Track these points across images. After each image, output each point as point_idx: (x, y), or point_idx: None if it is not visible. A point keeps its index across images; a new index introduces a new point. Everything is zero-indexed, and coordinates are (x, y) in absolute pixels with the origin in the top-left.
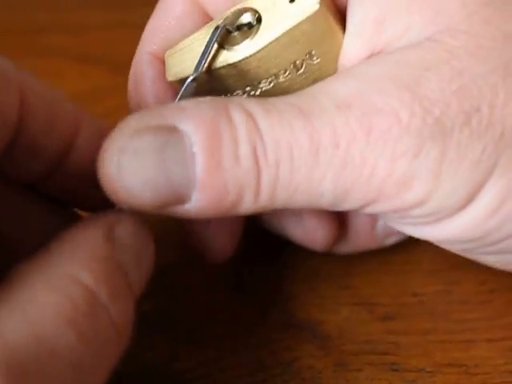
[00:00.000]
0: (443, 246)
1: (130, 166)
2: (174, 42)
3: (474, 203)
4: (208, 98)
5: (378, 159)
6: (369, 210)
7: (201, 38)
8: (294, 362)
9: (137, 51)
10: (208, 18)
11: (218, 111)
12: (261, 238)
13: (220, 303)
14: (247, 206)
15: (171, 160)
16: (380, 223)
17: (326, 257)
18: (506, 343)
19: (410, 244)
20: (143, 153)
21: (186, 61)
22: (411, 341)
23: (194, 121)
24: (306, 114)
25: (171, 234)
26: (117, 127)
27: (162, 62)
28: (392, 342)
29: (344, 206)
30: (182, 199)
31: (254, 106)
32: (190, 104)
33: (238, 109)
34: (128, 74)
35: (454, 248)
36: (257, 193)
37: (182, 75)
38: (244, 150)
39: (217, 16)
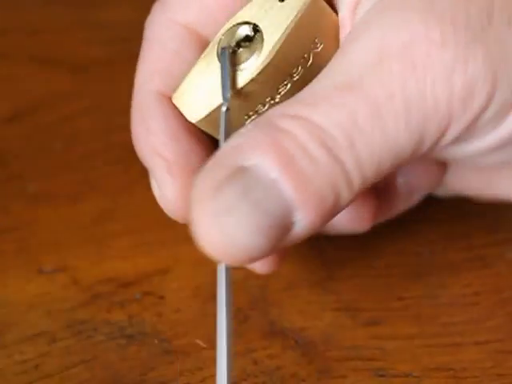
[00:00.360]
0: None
1: (232, 226)
2: (177, 76)
3: None
4: (250, 126)
5: (433, 87)
6: (446, 139)
7: (204, 71)
8: (277, 370)
9: (137, 91)
10: (205, 42)
11: (270, 131)
12: None
13: (198, 312)
14: (346, 197)
15: (260, 198)
16: (400, 181)
17: (308, 262)
18: (493, 346)
19: (393, 248)
20: (235, 206)
21: (200, 96)
22: (397, 346)
23: (256, 152)
24: (349, 85)
25: (145, 244)
26: (193, 196)
27: (168, 99)
28: (377, 348)
29: (425, 147)
30: (288, 228)
31: (295, 107)
32: (241, 139)
33: (285, 118)
34: (88, 76)
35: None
36: (349, 180)
37: (206, 111)
38: (315, 149)
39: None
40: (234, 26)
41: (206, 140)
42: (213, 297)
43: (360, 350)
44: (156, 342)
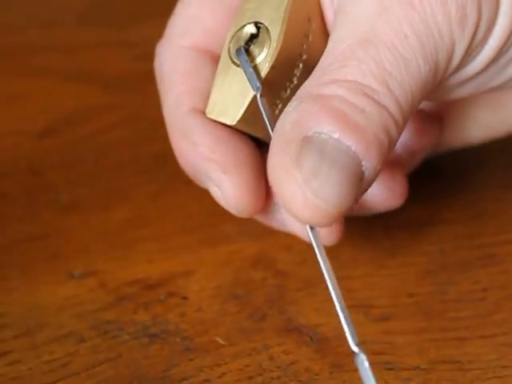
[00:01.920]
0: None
1: (321, 185)
2: (202, 92)
3: None
4: (294, 103)
5: (434, 18)
6: (452, 65)
7: (225, 79)
8: (292, 365)
9: (169, 116)
10: (217, 56)
11: (317, 100)
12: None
13: (218, 311)
14: (395, 137)
15: (334, 157)
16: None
17: None
18: (498, 339)
19: (405, 248)
20: (318, 168)
21: (231, 100)
22: (406, 340)
23: (313, 121)
24: (366, 38)
25: (169, 249)
26: (276, 175)
27: (202, 113)
28: (387, 342)
29: (439, 75)
30: (361, 177)
31: (327, 75)
32: (293, 115)
33: (323, 86)
34: (119, 91)
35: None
36: (395, 121)
37: (242, 109)
38: (361, 102)
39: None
40: (237, 31)
41: (247, 139)
42: (232, 296)
43: (370, 344)
44: (178, 340)
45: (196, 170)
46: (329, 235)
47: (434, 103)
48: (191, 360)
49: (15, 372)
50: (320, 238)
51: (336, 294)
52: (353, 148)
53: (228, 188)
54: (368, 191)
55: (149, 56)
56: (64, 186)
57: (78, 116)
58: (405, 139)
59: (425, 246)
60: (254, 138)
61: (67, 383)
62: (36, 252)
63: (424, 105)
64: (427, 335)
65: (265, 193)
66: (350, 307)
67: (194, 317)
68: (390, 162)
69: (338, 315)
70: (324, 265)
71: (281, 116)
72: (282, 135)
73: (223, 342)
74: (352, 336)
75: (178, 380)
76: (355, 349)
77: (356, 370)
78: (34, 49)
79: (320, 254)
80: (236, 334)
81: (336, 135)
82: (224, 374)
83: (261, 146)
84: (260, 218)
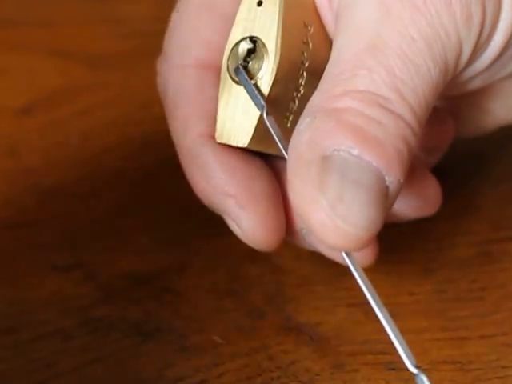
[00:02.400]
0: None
1: (348, 209)
2: (210, 114)
3: None
4: (307, 119)
5: (440, 19)
6: (461, 64)
7: (229, 100)
8: (292, 364)
9: (180, 142)
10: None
11: (330, 115)
12: None
13: (214, 308)
14: (413, 145)
15: (356, 176)
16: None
17: (323, 260)
18: (497, 339)
19: (403, 246)
20: (343, 191)
21: (239, 123)
22: (407, 340)
23: (329, 139)
24: (373, 45)
25: (161, 240)
26: (301, 202)
27: (212, 139)
28: (388, 342)
29: (449, 76)
30: (386, 193)
31: (337, 86)
32: (308, 134)
33: (335, 99)
34: (106, 70)
35: None
36: (411, 129)
37: (252, 130)
38: (375, 113)
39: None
40: (232, 48)
41: (261, 163)
42: (229, 293)
43: (371, 344)
44: (173, 338)
45: (211, 202)
46: (365, 256)
47: (445, 100)
48: (187, 360)
49: None
50: (357, 260)
51: (385, 316)
52: (374, 164)
53: (247, 224)
54: (399, 199)
55: (137, 33)
56: (46, 169)
57: (60, 95)
58: (421, 139)
59: (422, 243)
60: (268, 155)
61: None
62: (16, 242)
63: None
64: (428, 335)
65: (285, 222)
66: (350, 306)
67: (189, 314)
68: (418, 167)
69: (389, 338)
70: (366, 288)
71: (293, 135)
72: (299, 157)
73: (220, 341)
74: (408, 357)
75: (173, 381)
76: (414, 370)
77: (357, 370)
78: (15, 23)
79: (360, 277)
80: (234, 332)
81: (355, 152)
82: (222, 374)
83: (277, 162)
84: (291, 242)
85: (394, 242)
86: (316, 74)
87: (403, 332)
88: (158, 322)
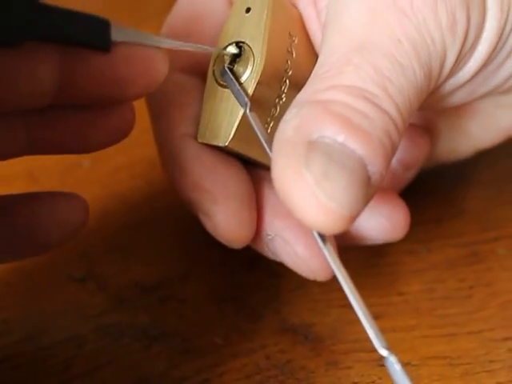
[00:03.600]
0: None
1: (332, 187)
2: (195, 115)
3: None
4: (294, 110)
5: (426, 25)
6: (444, 72)
7: (213, 102)
8: (288, 363)
9: (161, 142)
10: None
11: (318, 105)
12: None
13: (215, 312)
14: (397, 141)
15: (341, 159)
16: (394, 161)
17: None
18: (485, 334)
19: (393, 248)
20: (328, 169)
21: (221, 121)
22: (397, 337)
23: (316, 125)
24: (361, 45)
25: (165, 248)
26: (285, 177)
27: (193, 139)
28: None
29: (432, 82)
30: (368, 182)
31: (324, 82)
32: (295, 121)
33: (322, 92)
34: None
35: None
36: (396, 125)
37: (233, 128)
38: (363, 106)
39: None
40: (218, 53)
41: (239, 165)
42: (228, 298)
43: (364, 342)
44: (177, 341)
45: (188, 198)
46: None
47: (423, 117)
48: (191, 360)
49: (19, 376)
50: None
51: (355, 298)
52: (358, 152)
53: (219, 219)
54: (367, 221)
55: None
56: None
57: None
58: (399, 153)
59: (412, 245)
60: (247, 162)
61: None
62: (36, 257)
63: (414, 118)
64: (417, 332)
65: (255, 223)
66: (343, 307)
67: (192, 319)
68: (388, 188)
69: (360, 320)
70: (338, 270)
71: (280, 124)
72: (285, 141)
73: (221, 343)
74: (379, 339)
75: (178, 380)
76: (384, 352)
77: (350, 367)
78: None
79: (333, 260)
80: (233, 334)
81: (341, 139)
82: (223, 373)
83: (256, 171)
84: (255, 249)
85: (384, 245)
86: (298, 84)
87: (394, 330)
88: (163, 326)
